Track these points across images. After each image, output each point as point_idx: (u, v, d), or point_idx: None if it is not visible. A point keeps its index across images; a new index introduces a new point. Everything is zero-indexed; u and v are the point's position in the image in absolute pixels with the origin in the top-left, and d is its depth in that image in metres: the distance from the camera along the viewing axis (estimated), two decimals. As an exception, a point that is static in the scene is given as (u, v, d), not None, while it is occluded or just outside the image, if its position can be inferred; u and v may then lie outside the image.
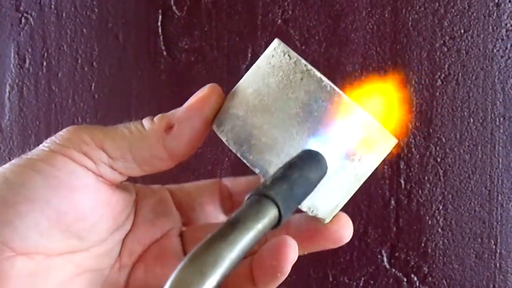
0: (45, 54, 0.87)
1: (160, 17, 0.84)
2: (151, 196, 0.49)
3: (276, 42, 0.44)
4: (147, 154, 0.45)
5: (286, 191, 0.38)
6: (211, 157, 0.83)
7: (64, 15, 0.86)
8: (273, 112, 0.42)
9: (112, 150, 0.45)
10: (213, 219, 0.51)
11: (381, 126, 0.42)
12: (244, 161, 0.43)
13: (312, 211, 0.43)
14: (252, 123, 0.43)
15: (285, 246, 0.42)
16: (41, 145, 0.45)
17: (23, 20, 0.87)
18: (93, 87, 0.86)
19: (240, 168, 0.48)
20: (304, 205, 0.42)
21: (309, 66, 0.42)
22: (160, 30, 0.84)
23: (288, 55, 0.43)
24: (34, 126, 0.87)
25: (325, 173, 0.41)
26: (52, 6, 0.86)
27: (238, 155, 0.43)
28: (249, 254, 0.45)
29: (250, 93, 0.43)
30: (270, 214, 0.37)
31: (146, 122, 0.46)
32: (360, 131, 0.42)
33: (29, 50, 0.87)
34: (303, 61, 0.42)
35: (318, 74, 0.42)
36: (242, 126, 0.43)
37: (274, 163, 0.42)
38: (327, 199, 0.43)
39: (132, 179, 0.47)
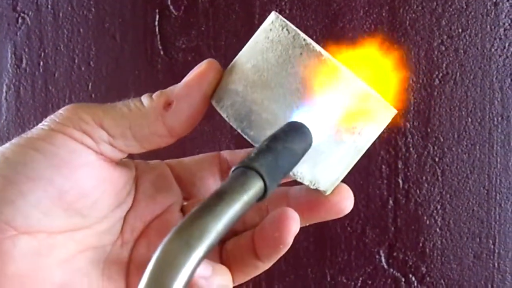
0: (42, 54, 0.87)
1: (157, 16, 0.84)
2: (151, 172, 0.49)
3: (273, 15, 0.43)
4: (147, 131, 0.45)
5: (270, 163, 0.38)
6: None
7: (61, 14, 0.86)
8: (273, 88, 0.42)
9: (111, 128, 0.45)
10: None
11: (381, 98, 0.42)
12: (245, 136, 0.42)
13: (314, 184, 0.43)
14: (252, 99, 0.42)
15: (287, 217, 0.42)
16: (40, 124, 0.45)
17: (20, 20, 0.87)
18: (90, 87, 0.86)
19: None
20: (306, 179, 0.42)
21: (308, 40, 0.42)
22: (157, 30, 0.84)
23: (287, 29, 0.42)
24: (31, 126, 0.86)
25: (309, 144, 0.41)
26: (49, 6, 0.86)
27: (239, 131, 0.43)
28: (251, 227, 0.45)
29: (249, 68, 0.43)
30: (256, 186, 0.37)
31: (145, 99, 0.45)
32: (360, 104, 0.41)
33: (26, 50, 0.87)
34: (302, 35, 0.42)
35: (318, 48, 0.41)
36: (242, 102, 0.43)
37: None
38: (328, 172, 0.43)
39: (130, 155, 0.47)
